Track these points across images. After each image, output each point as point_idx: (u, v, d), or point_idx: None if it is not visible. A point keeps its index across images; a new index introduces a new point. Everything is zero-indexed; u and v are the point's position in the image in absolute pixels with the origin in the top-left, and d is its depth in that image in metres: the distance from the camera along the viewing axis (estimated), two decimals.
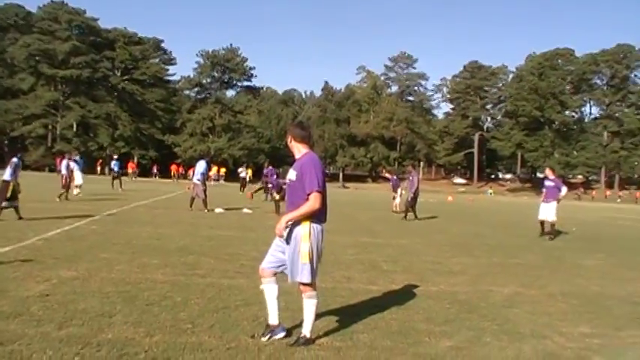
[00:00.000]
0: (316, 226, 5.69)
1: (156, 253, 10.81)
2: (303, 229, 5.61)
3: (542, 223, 18.52)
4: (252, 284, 8.26)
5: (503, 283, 9.75)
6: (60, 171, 26.49)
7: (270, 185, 26.60)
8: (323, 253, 5.91)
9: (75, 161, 27.11)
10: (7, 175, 14.97)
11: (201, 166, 22.83)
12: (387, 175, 28.45)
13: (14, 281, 7.78)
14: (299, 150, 5.92)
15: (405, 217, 23.47)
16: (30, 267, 8.81)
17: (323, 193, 5.63)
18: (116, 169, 38.30)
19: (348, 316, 6.82)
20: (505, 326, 6.84)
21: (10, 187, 14.86)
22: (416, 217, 23.47)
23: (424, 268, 11.00)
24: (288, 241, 5.71)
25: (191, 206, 21.68)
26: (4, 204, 14.63)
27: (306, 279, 5.66)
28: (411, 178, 24.85)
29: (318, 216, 5.68)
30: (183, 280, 8.48)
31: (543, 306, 8.17)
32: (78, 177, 26.68)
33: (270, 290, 5.86)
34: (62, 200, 23.24)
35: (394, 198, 28.71)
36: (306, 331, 5.70)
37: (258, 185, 27.73)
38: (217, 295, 7.57)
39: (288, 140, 6.00)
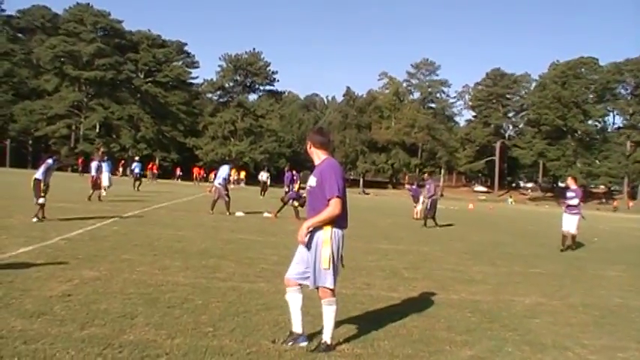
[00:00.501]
0: (337, 231, 5.67)
1: (177, 256, 10.85)
2: (325, 234, 5.60)
3: (564, 236, 17.62)
4: (272, 288, 8.28)
5: (524, 293, 9.68)
6: (89, 172, 26.50)
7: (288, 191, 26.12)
8: (343, 259, 5.84)
9: (104, 162, 27.31)
10: (38, 173, 15.10)
11: (224, 170, 22.78)
12: (407, 186, 28.20)
13: (37, 281, 7.83)
14: (318, 156, 5.90)
15: (425, 224, 23.39)
16: (53, 267, 8.87)
17: (343, 198, 5.61)
18: (137, 170, 38.55)
19: (368, 323, 6.80)
20: (527, 337, 6.78)
21: (42, 185, 14.96)
22: (436, 224, 23.38)
23: (445, 276, 10.95)
24: (309, 246, 5.69)
25: (212, 209, 21.68)
26: (41, 200, 14.74)
27: (330, 284, 5.65)
28: (427, 186, 24.86)
29: (339, 221, 5.66)
30: (204, 283, 8.50)
31: (565, 317, 8.11)
32: (105, 178, 26.82)
33: (294, 300, 5.86)
34: (93, 201, 23.43)
35: (415, 206, 28.58)
36: (326, 337, 5.69)
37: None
38: (238, 299, 7.58)
39: (308, 146, 5.99)
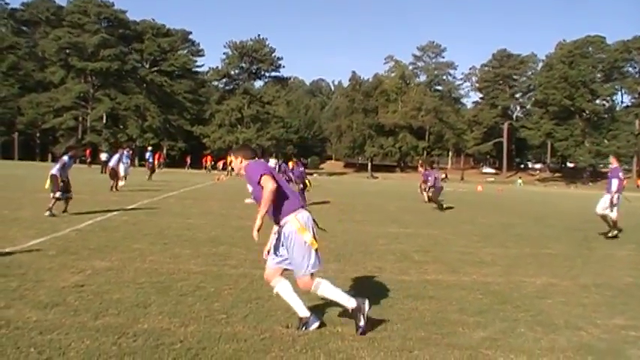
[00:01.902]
0: (302, 215, 5.83)
1: (187, 244, 10.90)
2: (294, 225, 5.76)
3: (603, 217, 16.09)
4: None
5: (535, 274, 9.67)
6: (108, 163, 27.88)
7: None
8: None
9: (125, 154, 28.21)
10: (55, 169, 15.08)
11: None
12: (420, 169, 27.97)
13: (50, 272, 7.89)
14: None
15: (441, 207, 23.26)
16: (64, 258, 8.93)
17: (273, 177, 5.71)
18: (151, 159, 38.77)
19: (381, 306, 6.82)
20: (539, 317, 6.78)
21: (59, 181, 14.95)
22: (442, 207, 23.32)
23: (455, 258, 10.95)
24: (284, 245, 5.89)
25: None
26: (57, 194, 14.74)
27: (319, 265, 5.88)
28: (429, 176, 25.11)
29: (291, 205, 5.85)
30: (216, 271, 8.55)
31: (577, 297, 8.08)
32: (121, 169, 27.04)
33: (283, 288, 5.93)
34: (110, 191, 23.70)
35: (425, 189, 28.34)
36: (351, 304, 5.84)
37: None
38: (250, 286, 7.61)
39: (238, 162, 6.04)
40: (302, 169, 23.26)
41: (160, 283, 7.54)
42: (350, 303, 5.86)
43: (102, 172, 45.26)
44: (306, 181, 22.15)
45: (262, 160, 5.83)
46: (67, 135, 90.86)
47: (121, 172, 27.13)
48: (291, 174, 22.02)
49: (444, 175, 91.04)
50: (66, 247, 9.90)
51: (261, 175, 5.61)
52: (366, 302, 5.84)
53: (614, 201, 15.69)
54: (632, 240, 15.29)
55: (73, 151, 16.35)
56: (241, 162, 5.98)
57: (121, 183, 26.40)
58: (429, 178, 24.88)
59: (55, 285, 7.11)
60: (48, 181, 14.90)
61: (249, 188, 5.92)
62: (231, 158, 6.24)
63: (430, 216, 20.68)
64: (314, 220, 5.97)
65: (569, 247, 13.53)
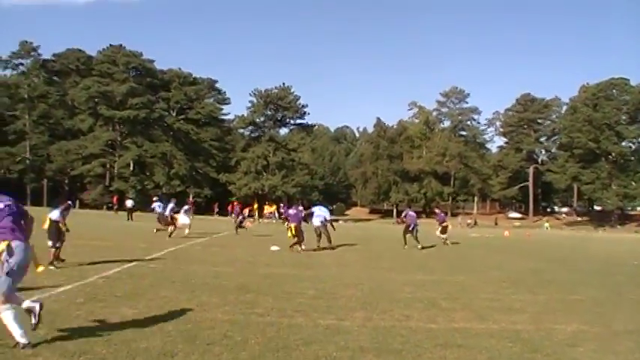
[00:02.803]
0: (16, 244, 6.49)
1: (214, 292, 10.90)
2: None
3: None
4: (311, 323, 8.29)
5: (565, 321, 9.53)
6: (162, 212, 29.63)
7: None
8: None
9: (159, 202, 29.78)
10: (55, 214, 15.01)
11: (321, 210, 24.67)
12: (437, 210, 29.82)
13: (78, 319, 7.95)
14: None
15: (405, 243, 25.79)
16: (92, 305, 8.98)
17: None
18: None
19: (409, 354, 6.76)
20: None
21: (61, 227, 14.91)
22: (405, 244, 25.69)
23: (483, 305, 10.83)
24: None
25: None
26: (58, 244, 14.68)
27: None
28: (408, 215, 27.37)
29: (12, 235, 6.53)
30: (243, 319, 8.53)
31: (609, 344, 7.96)
32: (182, 218, 28.01)
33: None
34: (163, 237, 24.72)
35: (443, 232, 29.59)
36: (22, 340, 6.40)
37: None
38: (277, 335, 7.58)
39: None
40: (294, 211, 24.00)
41: (186, 331, 7.54)
42: (22, 339, 6.35)
43: (128, 219, 45.63)
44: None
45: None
46: (94, 182, 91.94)
47: (187, 221, 28.00)
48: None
49: (472, 221, 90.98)
50: (94, 294, 9.96)
51: None
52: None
53: None
54: None
55: (74, 196, 16.50)
56: None
57: (186, 231, 27.22)
58: (408, 216, 27.04)
59: (83, 333, 7.13)
60: (47, 225, 14.77)
61: None
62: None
63: (457, 262, 20.52)
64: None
65: (599, 292, 13.34)
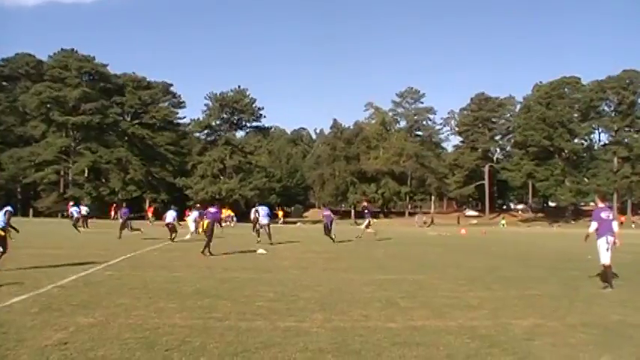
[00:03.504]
0: None
1: (172, 297, 10.80)
2: None
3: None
4: (270, 326, 8.27)
5: (522, 316, 9.66)
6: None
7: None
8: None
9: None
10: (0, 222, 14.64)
11: (263, 209, 29.16)
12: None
13: (32, 330, 7.79)
14: None
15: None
16: (47, 315, 8.83)
17: None
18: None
19: (367, 354, 6.78)
20: (527, 359, 6.77)
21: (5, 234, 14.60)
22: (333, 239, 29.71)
23: (442, 303, 10.91)
24: None
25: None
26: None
27: None
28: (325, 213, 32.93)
29: None
30: (201, 324, 8.46)
31: (564, 337, 8.08)
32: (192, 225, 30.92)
33: None
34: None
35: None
36: None
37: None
38: (236, 339, 7.54)
39: None
40: (214, 210, 25.06)
41: (144, 338, 7.45)
42: None
43: (83, 226, 44.94)
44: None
45: None
46: (48, 189, 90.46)
47: (191, 228, 30.84)
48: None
49: (429, 220, 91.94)
50: (48, 303, 9.79)
51: None
52: None
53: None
54: (618, 277, 15.29)
55: (11, 202, 16.24)
56: None
57: (188, 237, 30.20)
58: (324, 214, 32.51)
59: (37, 344, 7.02)
60: None
61: None
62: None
63: (416, 261, 20.65)
64: None
65: (555, 287, 13.55)
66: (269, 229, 28.17)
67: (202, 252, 20.50)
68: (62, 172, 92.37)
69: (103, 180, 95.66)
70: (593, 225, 14.18)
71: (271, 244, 26.16)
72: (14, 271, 14.13)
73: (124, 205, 40.01)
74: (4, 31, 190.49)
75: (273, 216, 32.68)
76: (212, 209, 23.51)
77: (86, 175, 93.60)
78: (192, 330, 8.01)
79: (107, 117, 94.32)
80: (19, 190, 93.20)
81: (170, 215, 29.45)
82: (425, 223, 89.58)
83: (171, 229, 28.90)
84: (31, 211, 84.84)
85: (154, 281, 13.07)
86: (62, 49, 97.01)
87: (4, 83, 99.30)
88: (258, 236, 28.78)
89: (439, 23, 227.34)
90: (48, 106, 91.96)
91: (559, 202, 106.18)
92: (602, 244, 13.81)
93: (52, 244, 24.57)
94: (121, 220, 32.93)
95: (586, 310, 10.45)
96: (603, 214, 14.13)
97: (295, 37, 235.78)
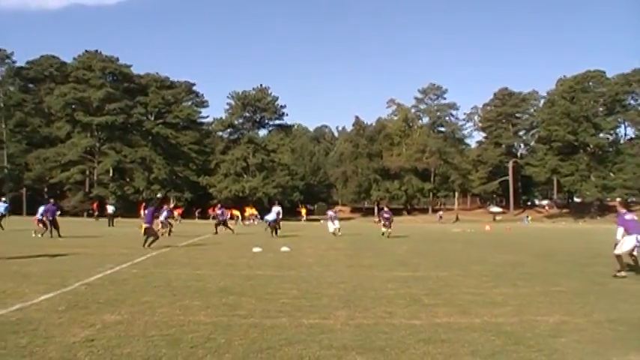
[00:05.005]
0: None
1: (197, 295, 10.85)
2: None
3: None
4: (294, 323, 8.28)
5: (547, 312, 9.58)
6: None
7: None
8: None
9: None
10: None
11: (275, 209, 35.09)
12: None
13: (60, 327, 7.87)
14: None
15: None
16: (74, 312, 8.91)
17: None
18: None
19: (393, 351, 6.77)
20: (553, 357, 6.73)
21: None
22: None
23: (466, 300, 10.86)
24: None
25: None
26: None
27: None
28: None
29: None
30: (226, 321, 8.49)
31: (590, 334, 8.01)
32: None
33: None
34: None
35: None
36: None
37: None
38: (260, 336, 7.56)
39: None
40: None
41: (170, 335, 7.50)
42: None
43: (109, 225, 45.35)
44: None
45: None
46: (74, 189, 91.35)
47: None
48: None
49: (454, 217, 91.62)
50: (75, 301, 9.88)
51: None
52: None
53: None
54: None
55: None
56: None
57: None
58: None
59: (65, 340, 7.09)
60: None
61: None
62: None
63: (439, 258, 20.56)
64: None
65: (581, 284, 13.42)
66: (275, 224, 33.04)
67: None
68: (87, 172, 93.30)
69: (128, 179, 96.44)
70: (620, 230, 14.45)
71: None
72: (43, 269, 14.32)
73: (219, 205, 40.78)
74: (29, 34, 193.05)
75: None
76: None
77: (111, 174, 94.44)
78: (216, 327, 8.05)
79: (131, 117, 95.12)
80: (45, 190, 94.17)
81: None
82: (441, 218, 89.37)
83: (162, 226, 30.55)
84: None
85: (178, 279, 13.14)
86: (86, 51, 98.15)
87: (30, 85, 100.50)
88: (271, 233, 32.20)
89: (461, 18, 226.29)
90: (73, 106, 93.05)
91: (584, 198, 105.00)
92: (630, 241, 13.90)
93: (78, 242, 24.80)
94: (220, 219, 35.80)
95: (612, 306, 10.34)
96: (628, 217, 14.34)
97: (317, 34, 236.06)
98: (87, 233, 32.94)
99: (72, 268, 14.63)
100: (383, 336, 7.63)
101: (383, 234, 32.94)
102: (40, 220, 29.22)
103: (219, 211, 35.90)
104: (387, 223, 33.61)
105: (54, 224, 28.52)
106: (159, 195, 36.98)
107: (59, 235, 27.70)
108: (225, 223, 35.60)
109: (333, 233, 34.08)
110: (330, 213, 37.50)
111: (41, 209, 29.67)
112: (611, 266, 15.75)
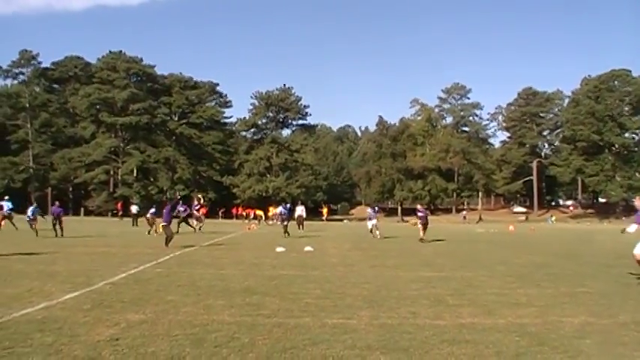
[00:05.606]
0: None
1: (221, 294, 10.89)
2: None
3: None
4: (318, 323, 8.28)
5: (572, 314, 9.50)
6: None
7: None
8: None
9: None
10: None
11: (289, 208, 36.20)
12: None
13: (85, 326, 7.94)
14: None
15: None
16: (99, 311, 8.99)
17: None
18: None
19: (417, 352, 6.75)
20: (578, 358, 6.67)
21: None
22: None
23: (490, 300, 10.80)
24: None
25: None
26: None
27: None
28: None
29: None
30: (250, 321, 8.51)
31: (616, 336, 7.93)
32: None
33: None
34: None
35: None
36: None
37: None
38: (284, 335, 7.58)
39: None
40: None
41: (194, 334, 7.54)
42: None
43: (133, 224, 45.65)
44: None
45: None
46: (98, 189, 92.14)
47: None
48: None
49: (478, 217, 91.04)
50: (100, 300, 9.97)
51: None
52: None
53: None
54: None
55: None
56: None
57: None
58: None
59: (90, 339, 7.15)
60: None
61: None
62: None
63: (463, 258, 20.47)
64: None
65: (606, 285, 13.30)
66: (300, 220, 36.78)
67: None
68: (112, 172, 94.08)
69: (152, 179, 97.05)
70: (633, 227, 14.18)
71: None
72: (68, 268, 14.46)
73: (283, 204, 41.08)
74: (54, 35, 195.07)
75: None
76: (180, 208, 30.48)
77: (135, 174, 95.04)
78: (240, 327, 8.07)
79: (155, 117, 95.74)
80: (70, 189, 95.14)
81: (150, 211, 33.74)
82: (465, 218, 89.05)
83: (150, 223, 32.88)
84: (82, 210, 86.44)
85: (202, 278, 13.20)
86: (110, 52, 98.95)
87: (55, 86, 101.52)
88: (285, 232, 31.83)
89: (485, 18, 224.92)
90: (97, 107, 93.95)
91: (609, 198, 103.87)
92: None
93: (103, 242, 25.01)
94: (279, 221, 37.96)
95: (638, 308, 10.23)
96: None
97: (339, 34, 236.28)
98: (111, 232, 33.18)
99: (97, 268, 14.77)
100: (407, 336, 7.61)
101: (422, 240, 28.91)
102: (31, 220, 30.29)
103: (181, 208, 34.72)
104: (423, 222, 29.83)
105: (59, 224, 29.11)
106: (177, 194, 38.97)
107: (62, 235, 28.01)
108: (186, 220, 35.74)
109: (371, 231, 32.31)
110: (369, 211, 35.54)
111: (30, 210, 30.84)
112: (636, 267, 15.60)
